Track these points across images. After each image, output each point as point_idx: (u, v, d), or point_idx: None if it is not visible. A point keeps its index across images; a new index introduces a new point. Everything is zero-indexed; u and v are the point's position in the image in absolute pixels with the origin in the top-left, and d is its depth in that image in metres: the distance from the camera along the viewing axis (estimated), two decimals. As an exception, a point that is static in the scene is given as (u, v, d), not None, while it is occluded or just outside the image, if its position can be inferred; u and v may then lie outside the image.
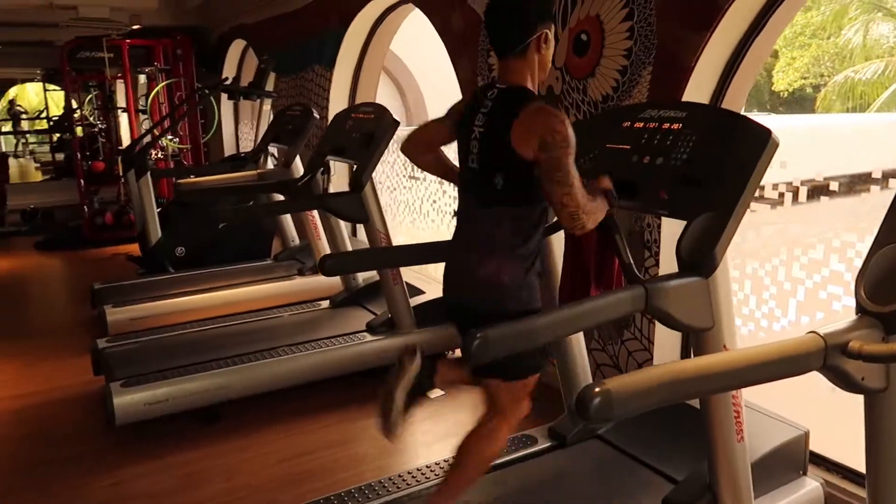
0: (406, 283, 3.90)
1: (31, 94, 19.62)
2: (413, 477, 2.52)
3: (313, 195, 3.66)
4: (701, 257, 1.83)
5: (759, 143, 1.86)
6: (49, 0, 5.88)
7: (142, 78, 7.86)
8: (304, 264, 5.13)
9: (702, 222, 1.86)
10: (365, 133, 3.65)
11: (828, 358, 1.35)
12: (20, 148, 18.33)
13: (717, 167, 1.92)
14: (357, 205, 3.49)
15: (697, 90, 2.82)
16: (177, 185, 4.10)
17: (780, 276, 2.85)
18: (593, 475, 2.45)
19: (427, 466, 2.59)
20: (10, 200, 9.40)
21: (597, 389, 1.13)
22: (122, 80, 7.46)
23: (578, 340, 2.70)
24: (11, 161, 16.27)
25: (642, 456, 2.48)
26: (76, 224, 7.94)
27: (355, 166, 3.57)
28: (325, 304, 4.40)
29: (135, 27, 7.00)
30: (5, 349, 4.54)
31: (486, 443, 2.06)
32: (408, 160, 2.34)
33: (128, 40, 7.18)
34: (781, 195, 2.84)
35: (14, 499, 2.82)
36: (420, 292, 4.10)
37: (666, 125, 2.14)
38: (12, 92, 17.41)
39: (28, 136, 17.20)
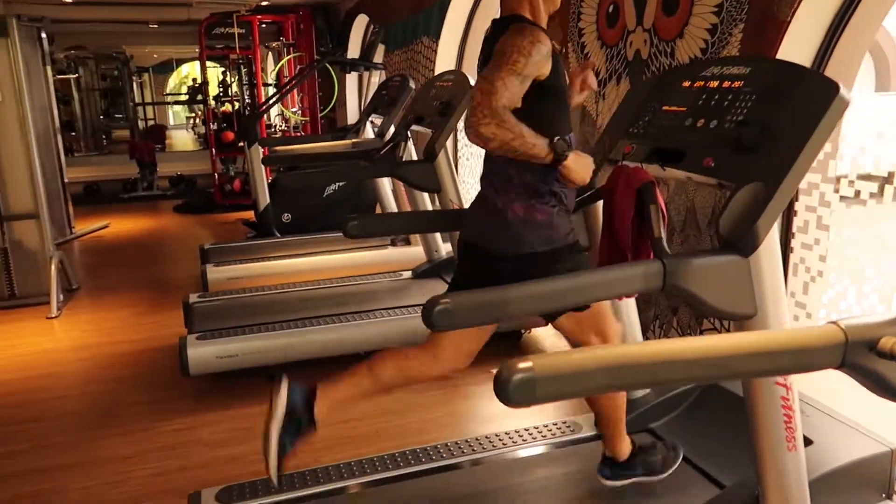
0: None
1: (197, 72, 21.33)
2: (459, 447, 2.41)
3: (387, 163, 3.63)
4: (741, 233, 1.57)
5: (824, 101, 1.56)
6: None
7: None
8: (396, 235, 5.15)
9: (746, 193, 1.60)
10: (442, 101, 3.55)
11: (849, 355, 1.09)
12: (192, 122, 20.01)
13: (772, 130, 1.64)
14: (429, 174, 3.41)
15: (796, 48, 2.45)
16: (269, 151, 4.22)
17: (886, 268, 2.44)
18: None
19: (476, 439, 2.47)
20: (160, 167, 10.27)
21: (520, 365, 0.98)
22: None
23: (633, 326, 2.47)
24: (182, 134, 17.87)
25: (691, 455, 2.22)
26: (209, 190, 8.52)
27: (430, 134, 3.49)
28: (408, 274, 4.39)
29: (263, 3, 7.31)
30: (123, 299, 4.96)
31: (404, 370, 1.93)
32: None
33: (258, 16, 7.53)
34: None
35: (90, 434, 3.05)
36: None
37: (727, 83, 1.87)
38: (184, 69, 18.99)
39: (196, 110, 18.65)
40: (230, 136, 7.99)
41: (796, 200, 2.67)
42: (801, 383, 2.54)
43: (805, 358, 1.09)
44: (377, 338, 3.54)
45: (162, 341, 4.07)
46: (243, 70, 9.28)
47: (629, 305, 2.40)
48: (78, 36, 11.39)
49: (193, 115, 18.96)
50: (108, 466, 2.78)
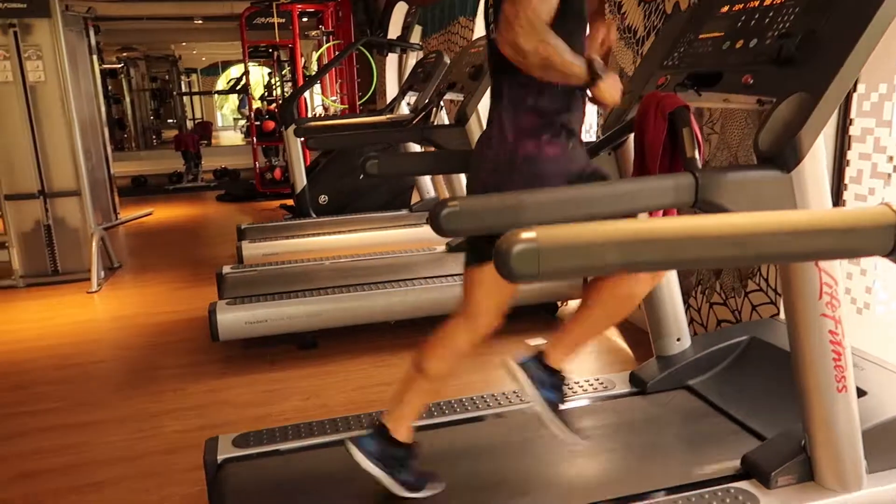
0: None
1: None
2: (485, 401, 2.31)
3: (417, 128, 3.56)
4: (781, 145, 1.44)
5: (872, 4, 1.42)
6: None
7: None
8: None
9: (788, 105, 1.47)
10: (474, 65, 3.47)
11: (900, 239, 0.96)
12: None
13: (816, 38, 1.51)
14: (460, 138, 3.33)
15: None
16: (298, 125, 4.21)
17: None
18: (670, 424, 2.10)
19: (503, 393, 2.37)
20: (205, 161, 10.45)
21: (522, 235, 0.88)
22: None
23: (670, 286, 2.34)
24: (230, 133, 18.18)
25: (733, 411, 2.08)
26: (251, 181, 8.61)
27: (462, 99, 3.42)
28: (442, 249, 4.31)
29: (302, -9, 7.37)
30: (162, 276, 5.02)
31: (619, 291, 1.72)
32: None
33: (298, 5, 7.58)
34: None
35: (120, 394, 3.07)
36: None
37: (769, 0, 1.74)
38: (233, 71, 19.37)
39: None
40: (271, 125, 8.06)
41: (849, 149, 2.50)
42: (853, 338, 2.37)
43: (851, 240, 0.96)
44: (407, 306, 3.48)
45: (196, 312, 4.08)
46: (286, 68, 9.39)
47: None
48: (128, 34, 11.68)
49: (240, 115, 19.32)
50: (134, 423, 2.78)
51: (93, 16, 6.59)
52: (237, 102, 17.42)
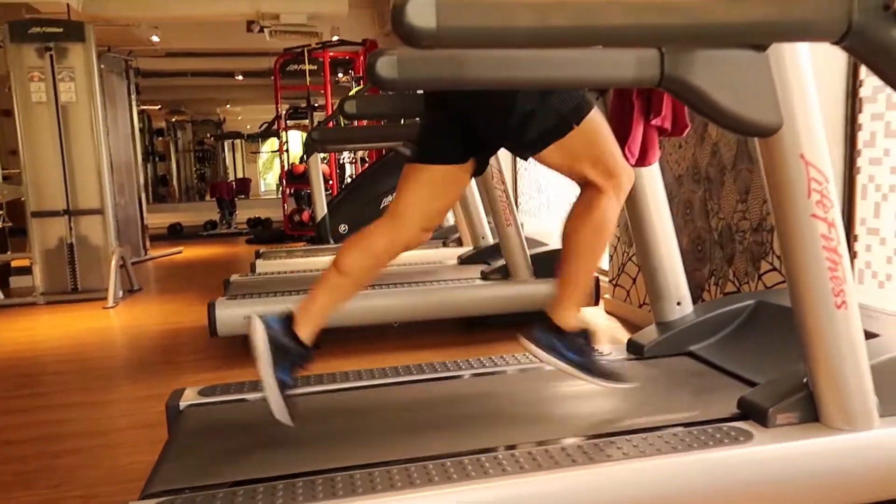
0: (528, 237, 3.61)
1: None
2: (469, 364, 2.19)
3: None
4: (755, 23, 1.35)
5: None
6: (256, 9, 6.64)
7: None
8: (448, 237, 5.03)
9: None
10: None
11: (856, 19, 0.85)
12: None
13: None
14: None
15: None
16: (311, 132, 4.25)
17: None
18: (667, 383, 1.92)
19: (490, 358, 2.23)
20: (241, 212, 10.69)
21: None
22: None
23: (668, 246, 2.20)
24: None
25: (735, 368, 1.90)
26: (279, 223, 8.73)
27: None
28: (453, 262, 4.22)
29: (334, 38, 7.62)
30: (180, 296, 5.03)
31: (587, 212, 1.63)
32: None
33: (330, 52, 7.84)
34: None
35: (116, 382, 3.08)
36: (542, 244, 3.76)
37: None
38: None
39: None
40: (301, 168, 8.21)
41: (860, 112, 2.37)
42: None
43: (797, 12, 0.86)
44: (410, 306, 3.37)
45: (205, 321, 4.04)
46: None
47: (654, 177, 2.14)
48: (175, 91, 12.22)
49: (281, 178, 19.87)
50: (123, 405, 2.75)
51: (133, 58, 6.91)
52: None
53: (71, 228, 4.95)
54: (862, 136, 2.37)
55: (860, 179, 2.38)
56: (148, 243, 7.41)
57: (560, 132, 1.57)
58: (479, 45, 0.93)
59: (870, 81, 2.31)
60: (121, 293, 4.96)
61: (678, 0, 0.84)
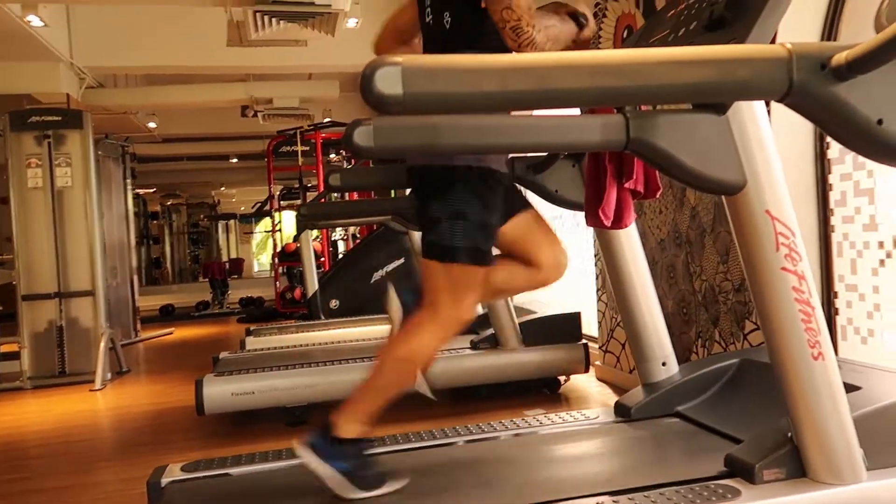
0: (516, 305, 3.64)
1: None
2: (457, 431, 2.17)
3: (408, 198, 3.61)
4: (713, 88, 1.43)
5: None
6: (250, 95, 6.88)
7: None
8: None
9: (718, 53, 1.47)
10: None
11: (797, 76, 0.91)
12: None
13: (744, -3, 1.54)
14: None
15: None
16: (300, 208, 4.33)
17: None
18: (655, 444, 1.90)
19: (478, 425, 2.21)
20: (234, 292, 10.69)
21: (388, 59, 0.87)
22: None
23: (650, 306, 2.23)
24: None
25: (723, 427, 1.89)
26: (271, 301, 8.73)
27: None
28: (444, 333, 4.22)
29: (326, 120, 7.85)
30: (169, 376, 4.97)
31: (404, 338, 1.70)
32: None
33: (322, 133, 8.06)
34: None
35: (98, 465, 3.00)
36: (531, 312, 3.77)
37: (705, -9, 1.80)
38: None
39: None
40: (292, 246, 8.28)
41: (829, 173, 2.45)
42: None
43: (741, 73, 0.92)
44: (400, 377, 3.35)
45: (191, 403, 4.00)
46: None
47: (632, 238, 2.18)
48: (171, 175, 12.44)
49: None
50: (106, 486, 2.71)
51: (130, 144, 7.08)
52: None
53: (61, 311, 4.94)
54: (833, 196, 2.44)
55: (835, 237, 2.44)
56: (139, 325, 7.38)
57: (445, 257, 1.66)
58: (446, 111, 0.99)
59: (836, 144, 2.40)
60: (109, 375, 4.90)
61: (633, 64, 0.90)
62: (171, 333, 7.72)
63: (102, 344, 4.85)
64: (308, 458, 1.66)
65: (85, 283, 4.99)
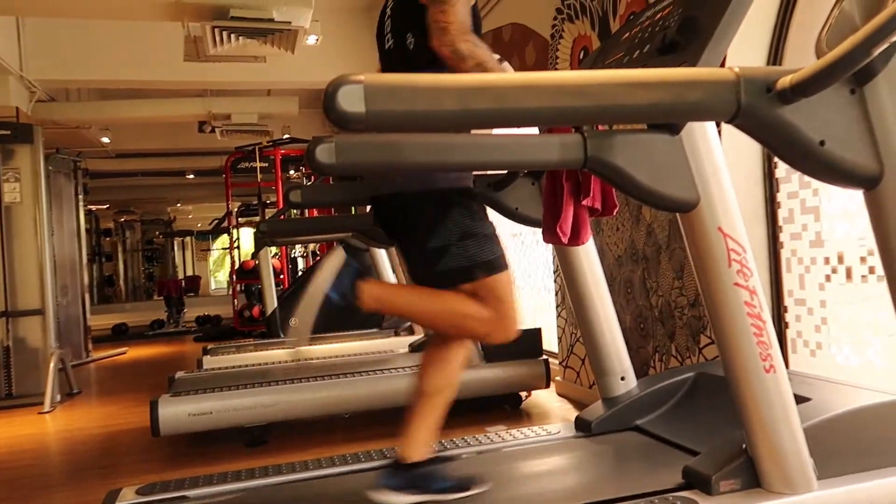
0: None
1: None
2: None
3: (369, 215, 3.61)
4: (666, 110, 1.47)
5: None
6: (207, 110, 6.79)
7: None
8: (400, 326, 5.03)
9: (671, 75, 1.52)
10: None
11: (745, 99, 0.95)
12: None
13: (697, 22, 1.59)
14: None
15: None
16: (259, 224, 4.28)
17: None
18: (616, 458, 1.93)
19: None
20: (190, 311, 10.49)
21: (350, 77, 0.88)
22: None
23: (609, 321, 2.27)
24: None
25: (682, 441, 1.93)
26: (229, 320, 8.58)
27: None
28: (405, 350, 4.21)
29: (285, 136, 7.80)
30: (122, 397, 4.83)
31: (458, 308, 1.70)
32: None
33: (281, 149, 8.00)
34: None
35: (47, 492, 2.88)
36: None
37: (659, 15, 1.85)
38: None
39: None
40: (251, 263, 8.17)
41: (777, 192, 2.54)
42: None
43: (691, 95, 0.96)
44: (361, 396, 3.32)
45: (145, 424, 3.90)
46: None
47: (590, 255, 2.21)
48: (126, 191, 12.17)
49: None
50: None
51: (82, 159, 6.92)
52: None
53: (8, 330, 4.77)
54: (781, 214, 2.53)
55: (784, 254, 2.52)
56: (90, 345, 7.16)
57: (470, 277, 1.69)
58: (407, 128, 1.00)
59: (783, 163, 2.49)
60: (59, 397, 4.74)
61: (591, 84, 0.93)
62: (124, 353, 7.52)
63: (52, 364, 4.70)
64: (393, 497, 1.71)
65: (34, 301, 4.83)
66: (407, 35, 1.73)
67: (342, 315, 2.03)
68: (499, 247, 1.74)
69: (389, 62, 1.81)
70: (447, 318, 1.71)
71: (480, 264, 1.68)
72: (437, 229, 1.68)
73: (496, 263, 1.71)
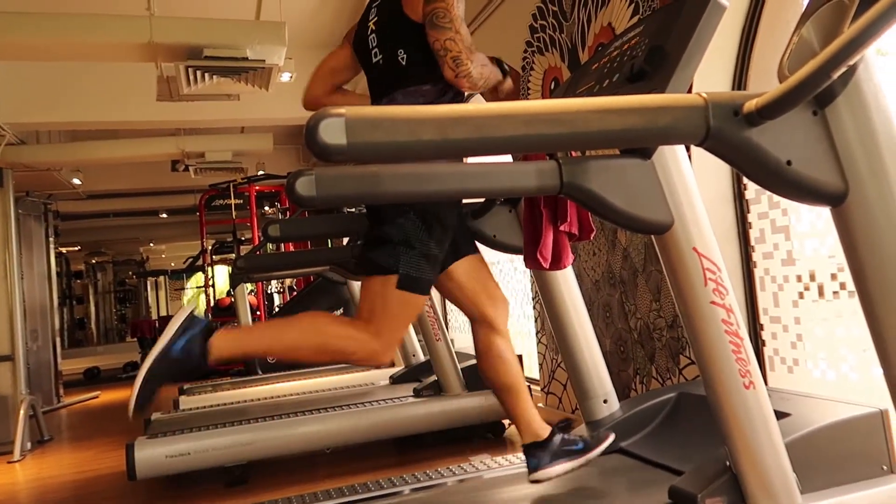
0: (458, 351, 3.66)
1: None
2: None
3: (347, 248, 3.62)
4: (638, 135, 1.51)
5: (700, 8, 1.58)
6: (181, 149, 6.77)
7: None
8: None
9: (641, 101, 1.56)
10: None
11: (714, 122, 0.99)
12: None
13: (664, 51, 1.65)
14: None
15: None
16: (236, 260, 4.26)
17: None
18: (600, 481, 1.93)
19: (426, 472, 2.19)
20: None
21: (331, 110, 0.89)
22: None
23: (589, 345, 2.28)
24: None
25: (667, 461, 1.93)
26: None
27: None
28: (385, 382, 4.18)
29: (260, 172, 7.79)
30: (95, 443, 4.73)
31: (316, 328, 1.73)
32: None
33: (256, 186, 7.98)
34: None
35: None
36: (473, 357, 3.78)
37: (627, 45, 1.91)
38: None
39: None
40: (227, 301, 8.09)
41: (748, 212, 2.60)
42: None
43: (661, 120, 0.99)
44: (343, 430, 3.29)
45: (121, 468, 3.80)
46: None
47: (569, 280, 2.23)
48: (97, 232, 12.02)
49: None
50: None
51: (52, 202, 6.84)
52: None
53: (-24, 378, 4.65)
54: (753, 234, 2.58)
55: (757, 273, 2.57)
56: (62, 390, 6.99)
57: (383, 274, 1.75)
58: (388, 159, 1.02)
59: (752, 184, 2.56)
60: (29, 445, 4.62)
61: (565, 112, 0.96)
62: (96, 397, 7.35)
63: (22, 411, 4.57)
64: (551, 470, 1.86)
65: (3, 347, 4.72)
66: (398, 51, 1.76)
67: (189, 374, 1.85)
68: (428, 272, 1.78)
69: (380, 76, 1.84)
70: (312, 343, 1.73)
71: (401, 274, 1.73)
72: (394, 222, 1.74)
73: (414, 283, 1.75)
